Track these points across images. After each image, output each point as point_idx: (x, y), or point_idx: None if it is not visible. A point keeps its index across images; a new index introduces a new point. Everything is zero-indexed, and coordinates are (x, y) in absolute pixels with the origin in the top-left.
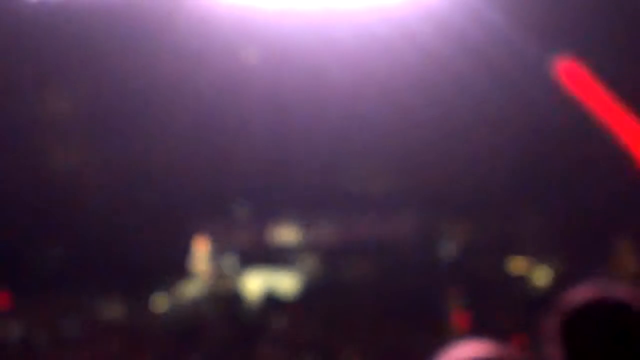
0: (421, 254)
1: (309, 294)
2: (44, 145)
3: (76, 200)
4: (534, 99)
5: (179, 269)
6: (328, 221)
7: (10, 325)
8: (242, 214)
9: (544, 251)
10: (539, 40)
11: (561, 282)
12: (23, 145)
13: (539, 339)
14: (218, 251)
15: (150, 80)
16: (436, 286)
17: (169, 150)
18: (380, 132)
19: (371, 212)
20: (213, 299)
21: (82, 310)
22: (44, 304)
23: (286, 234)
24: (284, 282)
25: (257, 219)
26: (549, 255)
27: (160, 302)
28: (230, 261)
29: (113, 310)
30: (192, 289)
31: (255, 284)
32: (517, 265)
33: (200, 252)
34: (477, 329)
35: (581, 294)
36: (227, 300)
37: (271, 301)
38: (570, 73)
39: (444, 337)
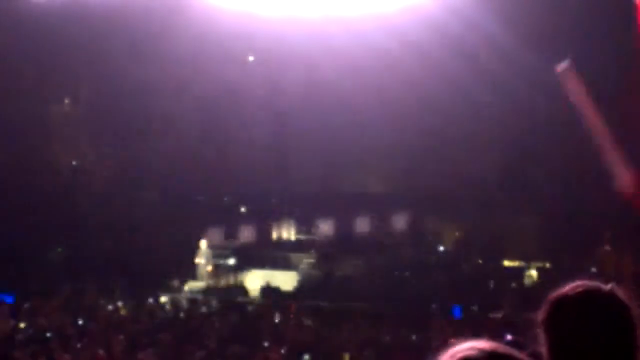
0: (416, 254)
1: (308, 294)
2: (43, 145)
3: (77, 201)
4: (530, 104)
5: (179, 268)
6: (326, 221)
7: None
8: (242, 214)
9: (535, 251)
10: (534, 47)
11: (551, 281)
12: (23, 145)
13: (532, 336)
14: (218, 251)
15: (151, 86)
16: (431, 285)
17: (170, 151)
18: (378, 136)
19: (368, 213)
20: (213, 298)
21: (83, 309)
22: (46, 304)
23: (286, 234)
24: (284, 282)
25: (257, 219)
26: (540, 255)
27: (161, 302)
28: (230, 261)
29: (114, 309)
30: (193, 288)
31: (255, 283)
32: (510, 264)
33: (201, 252)
34: (472, 328)
35: (568, 288)
36: (227, 299)
37: (271, 300)
38: (566, 79)
39: (439, 335)
